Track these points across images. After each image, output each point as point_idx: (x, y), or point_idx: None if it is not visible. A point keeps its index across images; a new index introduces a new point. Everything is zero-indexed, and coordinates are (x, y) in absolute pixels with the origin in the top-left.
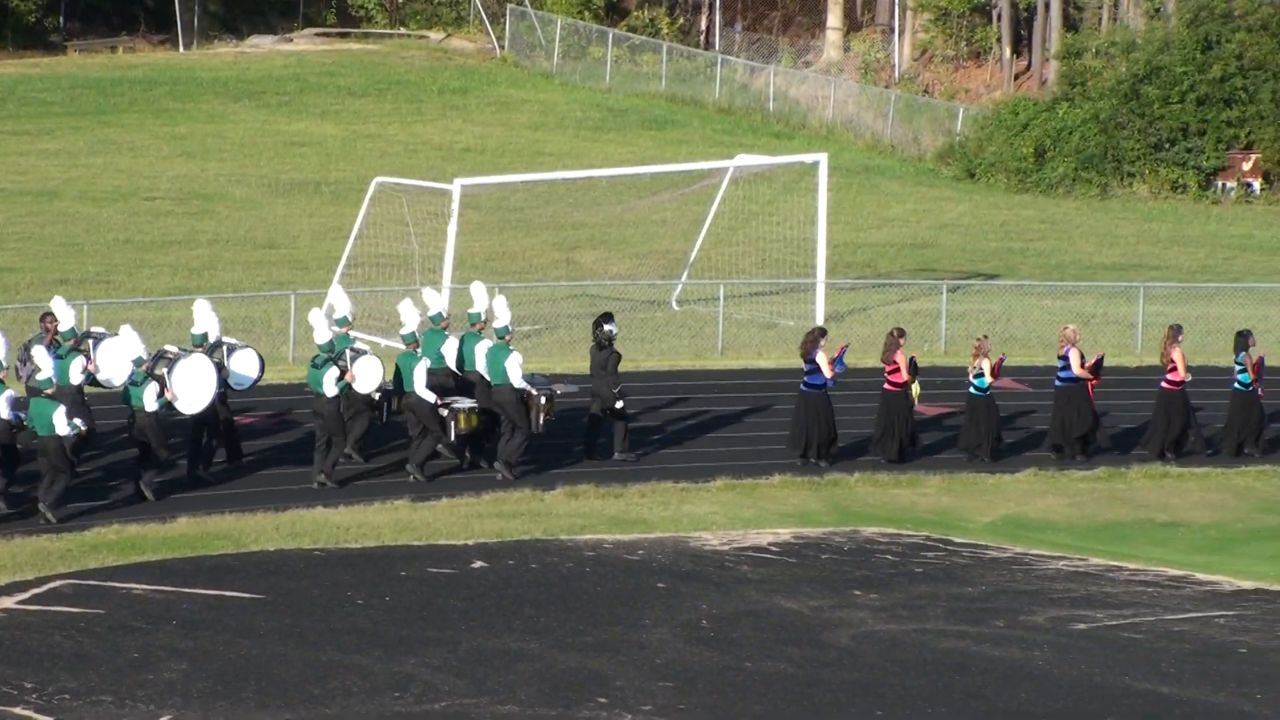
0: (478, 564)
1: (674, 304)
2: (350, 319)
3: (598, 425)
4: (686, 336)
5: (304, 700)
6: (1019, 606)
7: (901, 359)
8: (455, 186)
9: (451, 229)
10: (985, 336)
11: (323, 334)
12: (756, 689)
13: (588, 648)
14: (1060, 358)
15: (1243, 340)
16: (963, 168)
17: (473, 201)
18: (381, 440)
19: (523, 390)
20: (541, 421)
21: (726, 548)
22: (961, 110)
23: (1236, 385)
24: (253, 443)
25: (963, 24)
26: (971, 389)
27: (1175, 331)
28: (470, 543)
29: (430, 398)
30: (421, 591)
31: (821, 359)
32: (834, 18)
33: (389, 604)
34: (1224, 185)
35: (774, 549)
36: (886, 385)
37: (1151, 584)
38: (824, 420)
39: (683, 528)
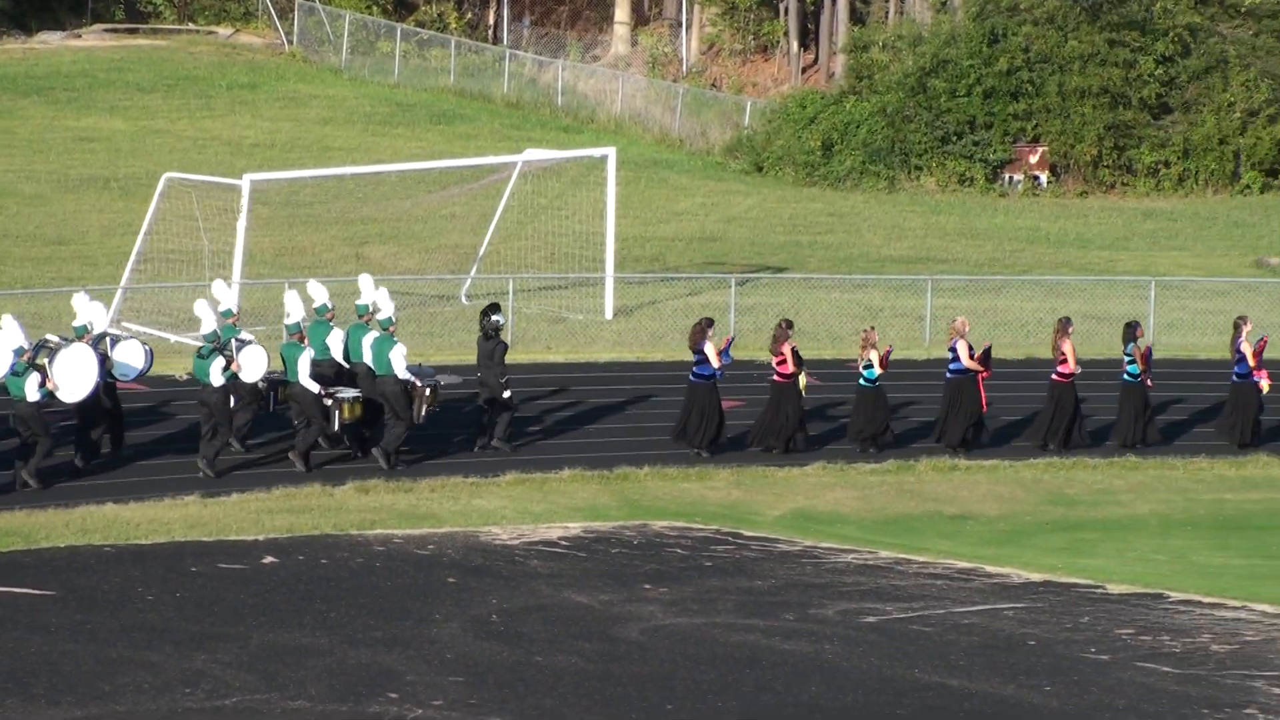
0: (268, 559)
1: (463, 299)
2: (235, 311)
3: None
4: (476, 331)
5: (95, 697)
6: (809, 600)
7: (788, 350)
8: (245, 182)
9: (241, 224)
10: (872, 328)
11: (209, 325)
12: (547, 683)
13: (378, 643)
14: (950, 350)
15: (1131, 332)
16: (750, 161)
17: (262, 197)
18: (262, 430)
19: (407, 381)
20: (425, 412)
21: (516, 542)
22: (749, 104)
23: (1125, 377)
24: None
25: (750, 18)
26: (861, 380)
27: (1065, 324)
28: (261, 538)
29: (314, 388)
30: (212, 587)
31: (709, 349)
32: (621, 12)
33: (179, 600)
34: (1011, 178)
35: (564, 543)
36: (775, 377)
37: (941, 577)
38: (710, 410)
39: (473, 522)
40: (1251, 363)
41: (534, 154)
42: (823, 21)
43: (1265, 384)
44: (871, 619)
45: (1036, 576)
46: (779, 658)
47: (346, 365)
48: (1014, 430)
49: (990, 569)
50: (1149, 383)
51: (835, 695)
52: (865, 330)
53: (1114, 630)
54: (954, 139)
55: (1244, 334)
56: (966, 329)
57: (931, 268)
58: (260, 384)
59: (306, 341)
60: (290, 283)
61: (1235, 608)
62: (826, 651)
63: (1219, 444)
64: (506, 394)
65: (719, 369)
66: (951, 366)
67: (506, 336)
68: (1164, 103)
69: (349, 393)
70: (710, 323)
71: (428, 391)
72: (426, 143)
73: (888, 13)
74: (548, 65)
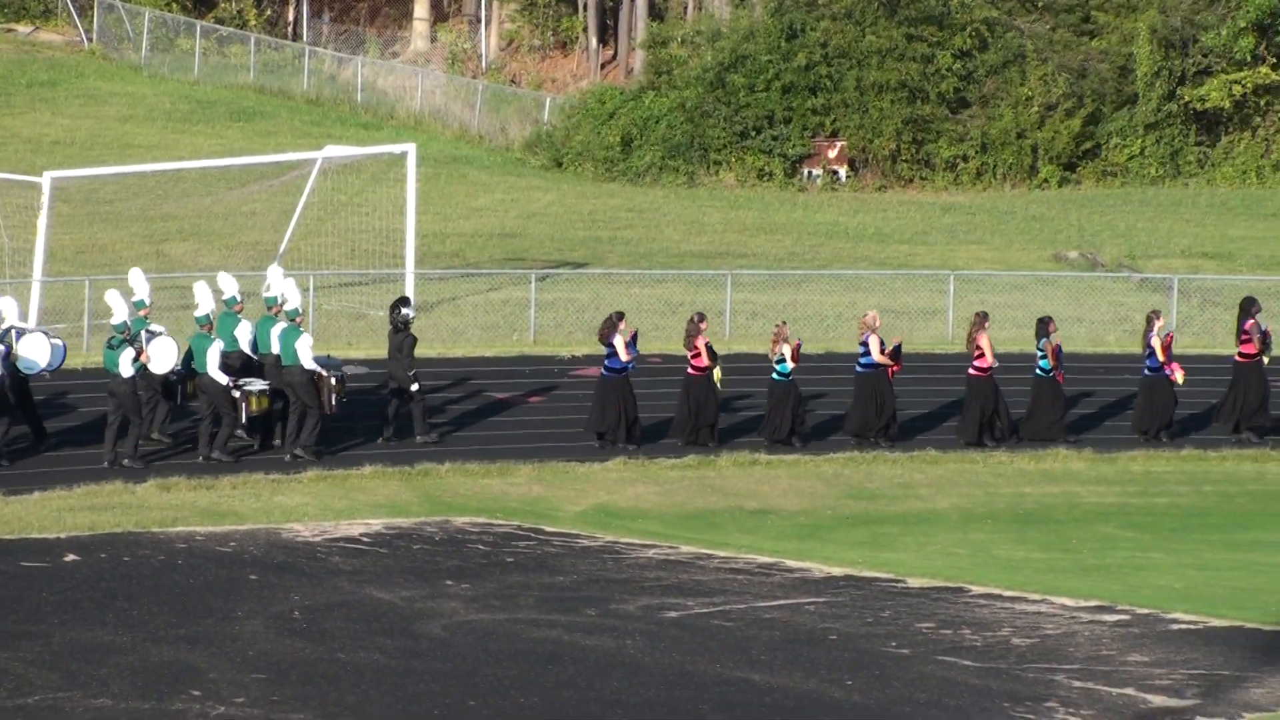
0: (70, 557)
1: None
2: (148, 302)
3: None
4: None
5: None
6: (610, 595)
7: (702, 344)
8: (45, 180)
9: (42, 222)
10: (784, 322)
11: (119, 315)
12: (349, 680)
13: (181, 640)
14: (861, 344)
15: (1043, 327)
16: (550, 157)
17: (63, 194)
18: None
19: (314, 371)
20: (334, 402)
21: (318, 539)
22: (549, 100)
23: (1038, 371)
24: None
25: (549, 14)
26: (774, 375)
27: (982, 318)
28: (62, 536)
29: (223, 379)
30: (13, 585)
31: (619, 343)
32: (420, 8)
33: None
34: (810, 173)
35: (366, 539)
36: (689, 370)
37: (742, 571)
38: (626, 403)
39: (274, 519)
40: (1161, 357)
41: (334, 150)
42: (622, 17)
43: (1179, 376)
44: (673, 614)
45: (837, 571)
46: (581, 653)
47: (254, 357)
48: (832, 425)
49: (791, 563)
50: (1060, 378)
51: (637, 690)
52: (777, 325)
53: (915, 624)
54: (753, 134)
55: (1155, 329)
56: (878, 324)
57: (731, 262)
58: (171, 376)
59: (215, 333)
60: (203, 275)
61: (1035, 601)
62: (628, 647)
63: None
64: (415, 386)
65: (629, 361)
66: (862, 361)
67: (308, 329)
68: (962, 97)
69: (257, 384)
70: (620, 316)
71: (334, 382)
72: (227, 140)
73: (686, 8)
74: (347, 62)
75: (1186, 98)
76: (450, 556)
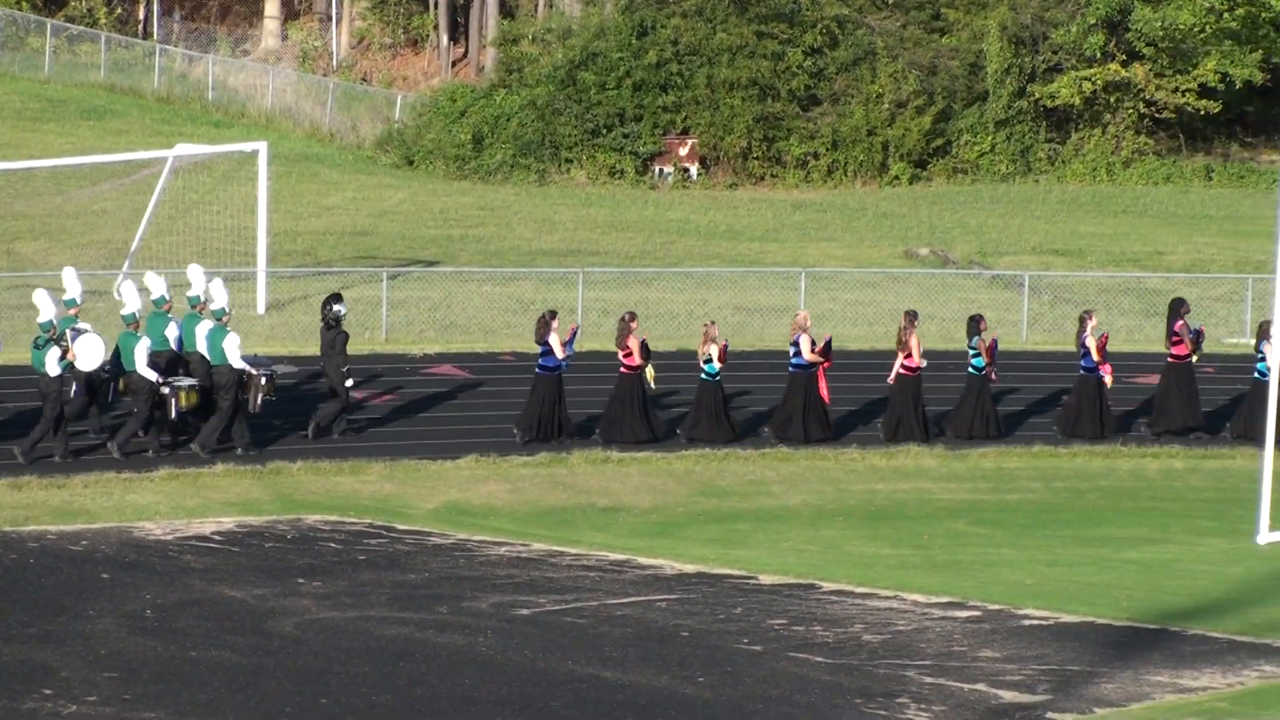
0: None
1: (116, 294)
2: (79, 301)
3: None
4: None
5: None
6: (462, 593)
7: (634, 343)
8: None
9: None
10: (713, 322)
11: (46, 314)
12: (202, 678)
13: (32, 639)
14: (792, 344)
15: (974, 325)
16: (401, 155)
17: None
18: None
19: (242, 370)
20: (260, 401)
21: (170, 537)
22: (400, 98)
23: (970, 369)
24: None
25: (400, 12)
26: (702, 375)
27: (911, 318)
28: None
29: (152, 376)
30: None
31: (554, 341)
32: (271, 6)
33: None
34: (661, 170)
35: (218, 538)
36: (621, 369)
37: (594, 569)
38: (557, 400)
39: (126, 518)
40: (1096, 357)
41: (185, 149)
42: (473, 15)
43: (1109, 378)
44: (525, 611)
45: (689, 568)
46: (433, 651)
47: (180, 355)
48: (673, 421)
49: (643, 560)
50: (993, 376)
51: (489, 688)
52: (706, 325)
53: (767, 621)
54: (604, 131)
55: (1088, 328)
56: (809, 323)
57: (583, 260)
58: (103, 373)
59: (143, 331)
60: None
61: (887, 597)
62: (480, 644)
63: (871, 435)
64: (349, 383)
65: (563, 359)
66: (794, 360)
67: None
68: (813, 94)
69: (186, 381)
70: (554, 315)
71: (263, 380)
72: (78, 138)
73: (537, 6)
74: (198, 60)
75: (1036, 95)
76: (302, 554)
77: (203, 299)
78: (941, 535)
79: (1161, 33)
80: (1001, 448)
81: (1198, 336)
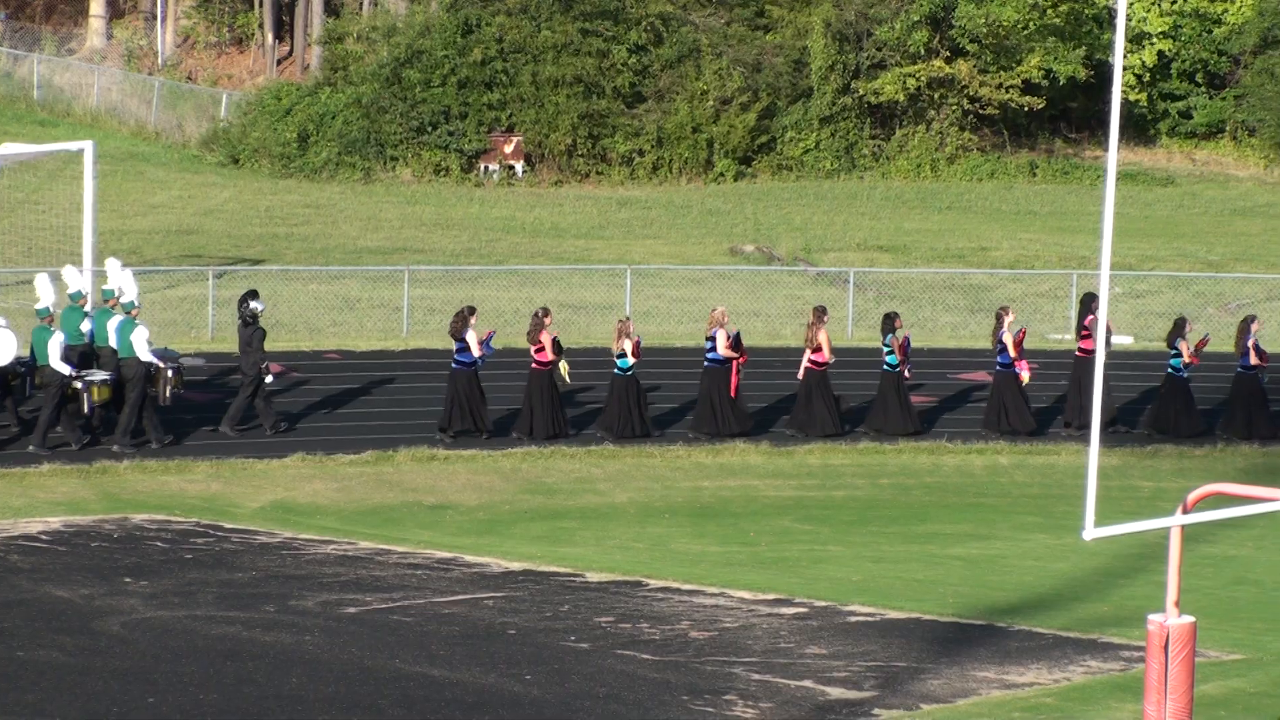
0: None
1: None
2: None
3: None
4: None
5: None
6: (289, 591)
7: (546, 339)
8: None
9: None
10: (628, 318)
11: None
12: (28, 679)
13: None
14: (708, 339)
15: (889, 322)
16: (227, 154)
17: None
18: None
19: (150, 364)
20: (169, 393)
21: None
22: (225, 96)
23: (885, 366)
24: None
25: (225, 10)
26: (616, 370)
27: (820, 313)
28: None
29: (65, 370)
30: None
31: (471, 338)
32: (96, 5)
33: None
34: (486, 168)
35: (45, 537)
36: (533, 365)
37: (420, 567)
38: (474, 397)
39: None
40: (1013, 353)
41: (10, 148)
42: (298, 13)
43: (1025, 374)
44: (352, 610)
45: (516, 565)
46: (260, 649)
47: (93, 349)
48: (509, 419)
49: (470, 558)
50: (906, 373)
51: (317, 686)
52: (620, 321)
53: (594, 618)
54: (429, 129)
55: (1005, 324)
56: (726, 319)
57: (408, 258)
58: (19, 368)
59: (57, 326)
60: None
61: (713, 594)
62: (308, 643)
63: (696, 434)
64: (269, 379)
65: (480, 357)
66: (709, 355)
67: None
68: (638, 92)
69: (99, 375)
70: (472, 311)
71: (170, 373)
72: None
73: (362, 4)
74: (23, 59)
75: (861, 91)
76: (129, 554)
77: (116, 293)
78: (768, 532)
79: (985, 29)
80: (828, 444)
81: (1106, 332)
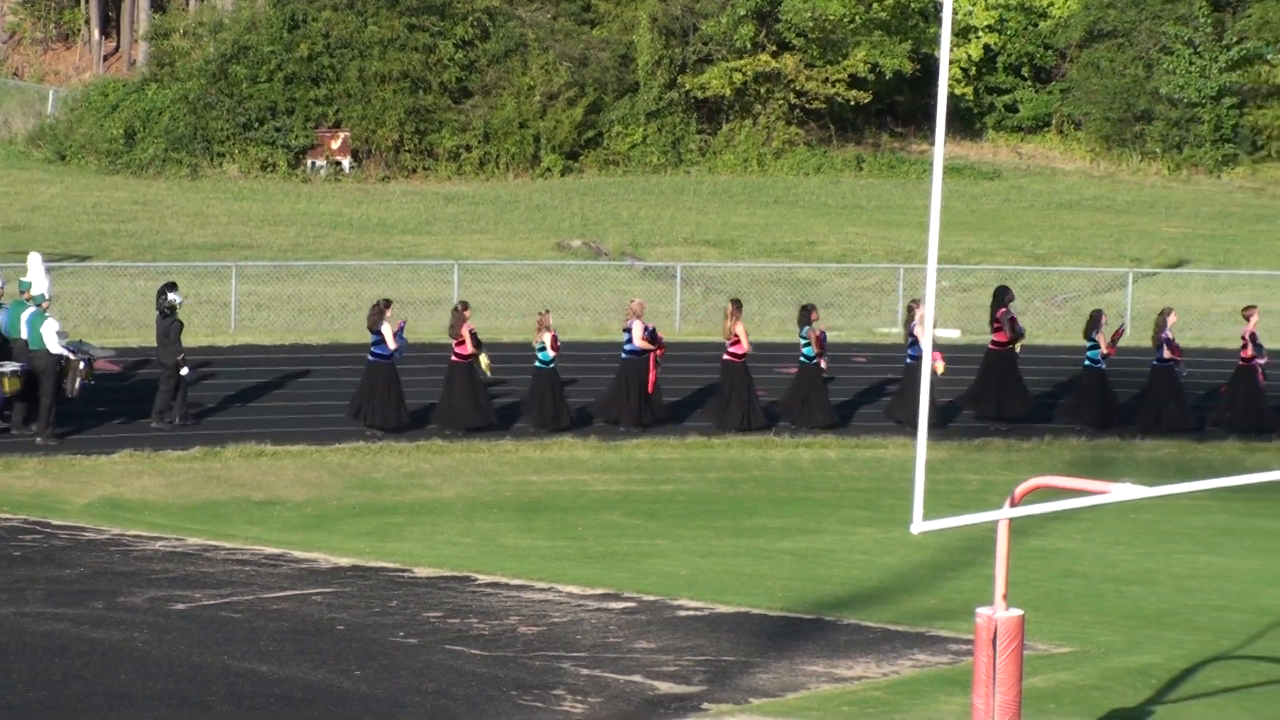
0: None
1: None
2: None
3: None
4: None
5: None
6: (117, 588)
7: (467, 333)
8: None
9: None
10: (546, 310)
11: None
12: None
13: None
14: (625, 330)
15: (805, 314)
16: (54, 150)
17: None
18: None
19: (60, 355)
20: (78, 385)
21: None
22: (52, 92)
23: (802, 359)
24: None
25: (51, 6)
26: (536, 363)
27: (737, 306)
28: None
29: None
30: None
31: (386, 330)
32: None
33: None
34: (314, 164)
35: None
36: (453, 358)
37: (249, 563)
38: (391, 389)
39: None
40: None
41: None
42: (124, 9)
43: (940, 365)
44: (181, 606)
45: (344, 561)
46: (88, 646)
47: (6, 340)
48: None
49: (298, 554)
50: (823, 365)
51: (145, 683)
52: (540, 314)
53: (422, 613)
54: (256, 125)
55: (916, 318)
56: (642, 310)
57: (236, 254)
58: None
59: None
60: None
61: (542, 589)
62: (136, 639)
63: (526, 428)
64: (185, 370)
65: (395, 349)
66: (626, 347)
67: None
68: (464, 87)
69: (9, 366)
70: (388, 304)
71: (81, 365)
72: None
73: (189, 0)
74: None
75: (687, 86)
76: None
77: (30, 284)
78: (596, 527)
79: (811, 23)
80: (655, 438)
81: (1013, 324)
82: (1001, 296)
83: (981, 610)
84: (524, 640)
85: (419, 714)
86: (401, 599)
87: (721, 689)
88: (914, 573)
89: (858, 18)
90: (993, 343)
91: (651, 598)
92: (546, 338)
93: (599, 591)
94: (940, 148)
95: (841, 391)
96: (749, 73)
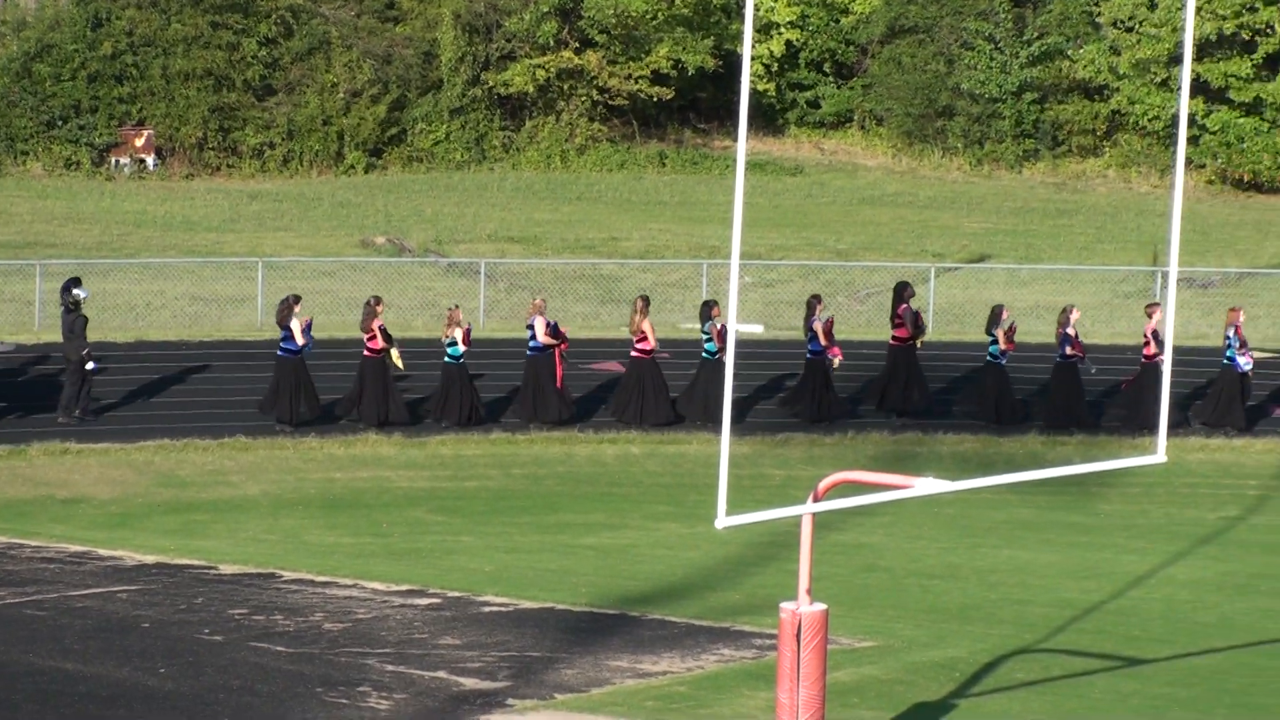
0: None
1: None
2: None
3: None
4: None
5: None
6: None
7: (377, 327)
8: None
9: None
10: (457, 306)
11: None
12: None
13: None
14: (528, 327)
15: (707, 310)
16: None
17: None
18: None
19: None
20: None
21: None
22: None
23: (704, 354)
24: None
25: None
26: (446, 358)
27: (644, 303)
28: None
29: None
30: None
31: (295, 326)
32: None
33: None
34: (118, 162)
35: None
36: (365, 352)
37: (54, 561)
38: (304, 384)
39: None
40: (823, 340)
41: None
42: None
43: (837, 360)
44: None
45: (149, 559)
46: None
47: None
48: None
49: (103, 552)
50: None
51: None
52: (450, 309)
53: (227, 610)
54: (59, 123)
55: (816, 312)
56: (545, 307)
57: (40, 253)
58: None
59: None
60: None
61: (347, 586)
62: None
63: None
64: (90, 365)
65: (304, 345)
66: (531, 345)
67: None
68: (268, 85)
69: None
70: (296, 299)
71: None
72: None
73: None
74: None
75: (491, 83)
76: None
77: None
78: (401, 523)
79: (614, 20)
80: (460, 435)
81: (916, 318)
82: (901, 292)
83: (785, 605)
84: (329, 637)
85: (224, 711)
86: (207, 596)
87: (527, 685)
88: (718, 568)
89: (660, 14)
90: (894, 338)
91: (456, 594)
92: (458, 333)
93: (404, 588)
94: (743, 144)
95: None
96: (552, 69)
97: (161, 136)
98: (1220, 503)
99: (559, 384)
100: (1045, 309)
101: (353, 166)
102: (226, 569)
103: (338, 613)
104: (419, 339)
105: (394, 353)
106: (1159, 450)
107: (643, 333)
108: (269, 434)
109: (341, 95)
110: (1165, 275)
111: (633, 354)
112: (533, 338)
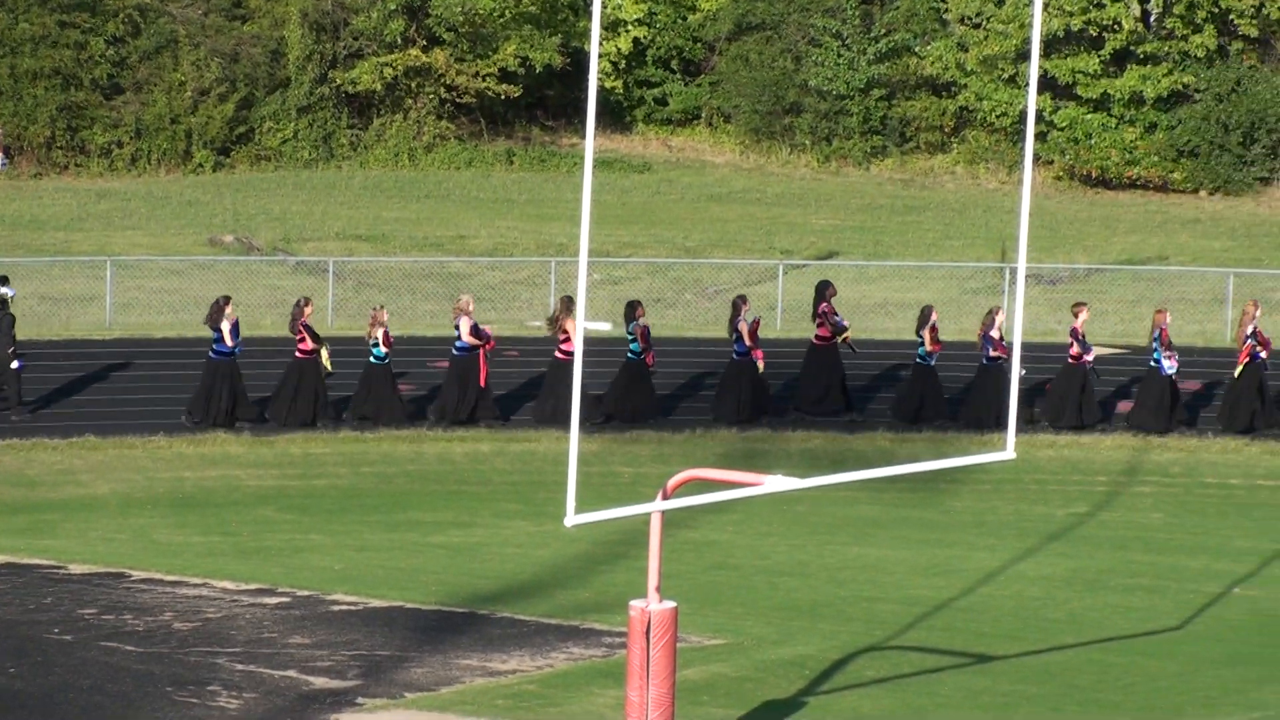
0: None
1: None
2: None
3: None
4: None
5: None
6: None
7: (302, 327)
8: None
9: None
10: (381, 307)
11: None
12: None
13: None
14: (455, 327)
15: (631, 310)
16: None
17: None
18: None
19: None
20: None
21: None
22: None
23: (629, 355)
24: None
25: None
26: (371, 358)
27: (568, 303)
28: None
29: None
30: None
31: (225, 328)
32: None
33: None
34: None
35: None
36: (297, 354)
37: None
38: (233, 385)
39: None
40: (748, 341)
41: None
42: None
43: (761, 363)
44: None
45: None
46: None
47: None
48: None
49: None
50: (650, 360)
51: None
52: (374, 309)
53: (77, 610)
54: None
55: (742, 313)
56: (470, 307)
57: None
58: None
59: None
60: None
61: (196, 585)
62: None
63: (177, 423)
64: (15, 364)
65: (234, 346)
66: (457, 344)
67: None
68: (116, 83)
69: None
70: (227, 300)
71: None
72: None
73: None
74: None
75: (338, 81)
76: None
77: None
78: (250, 522)
79: (461, 18)
80: (309, 434)
81: (832, 317)
82: (822, 291)
83: (635, 603)
84: (179, 636)
85: (74, 711)
86: (56, 596)
87: (376, 683)
88: (568, 566)
89: (508, 12)
90: (816, 338)
91: (305, 593)
92: (379, 334)
93: (253, 587)
94: (590, 141)
95: (497, 385)
96: (399, 67)
97: (9, 135)
98: (1069, 499)
99: (483, 382)
100: (893, 305)
101: (201, 165)
102: (76, 568)
103: (187, 612)
104: (266, 337)
105: (324, 352)
106: (1008, 447)
107: (566, 333)
108: (118, 433)
109: (189, 94)
110: (1014, 271)
111: (557, 355)
112: (459, 337)
